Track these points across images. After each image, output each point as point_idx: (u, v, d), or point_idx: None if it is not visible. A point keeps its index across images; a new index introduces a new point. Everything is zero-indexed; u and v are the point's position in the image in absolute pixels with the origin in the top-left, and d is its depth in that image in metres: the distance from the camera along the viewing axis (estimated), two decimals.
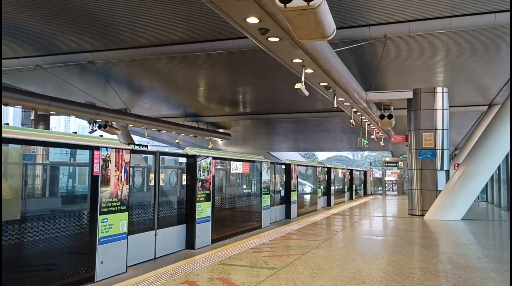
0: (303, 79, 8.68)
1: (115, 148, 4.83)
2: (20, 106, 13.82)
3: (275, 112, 23.87)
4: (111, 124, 18.50)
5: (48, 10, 9.97)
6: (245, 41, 10.88)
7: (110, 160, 4.75)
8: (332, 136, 35.96)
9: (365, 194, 24.47)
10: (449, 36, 10.70)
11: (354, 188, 20.74)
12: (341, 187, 18.42)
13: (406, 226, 10.67)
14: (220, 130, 26.20)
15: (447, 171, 12.96)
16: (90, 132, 18.58)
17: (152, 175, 5.86)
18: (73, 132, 23.85)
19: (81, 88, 16.59)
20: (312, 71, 9.00)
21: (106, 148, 4.70)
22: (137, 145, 23.02)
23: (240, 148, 35.22)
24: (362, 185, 24.15)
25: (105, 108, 17.10)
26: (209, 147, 28.18)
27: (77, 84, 16.35)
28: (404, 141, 13.53)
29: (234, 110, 24.28)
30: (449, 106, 13.50)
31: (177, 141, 24.21)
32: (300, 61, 8.27)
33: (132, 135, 25.46)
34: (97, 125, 18.16)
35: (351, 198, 20.14)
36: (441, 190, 12.37)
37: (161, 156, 6.14)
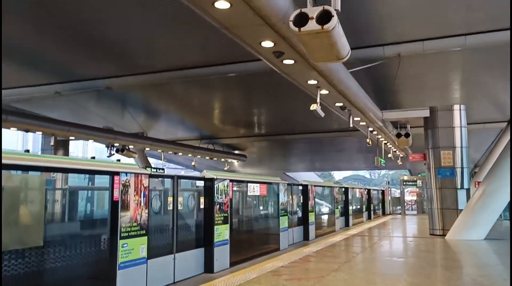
0: (318, 100, 8.70)
1: (134, 173, 4.89)
2: (41, 132, 14.10)
3: (291, 133, 23.85)
4: (128, 147, 18.73)
5: (67, 39, 10.24)
6: (260, 63, 10.98)
7: (129, 185, 4.80)
8: (348, 156, 35.68)
9: (383, 213, 24.11)
10: (464, 54, 10.65)
11: (372, 208, 20.46)
12: (359, 207, 18.19)
13: (427, 247, 10.45)
14: (236, 152, 26.27)
15: (468, 190, 12.72)
16: (108, 156, 18.84)
17: (170, 199, 5.89)
18: (91, 157, 24.19)
19: (99, 113, 16.88)
20: (327, 92, 9.02)
21: (126, 173, 4.75)
22: (154, 168, 23.23)
23: (256, 169, 35.20)
24: (380, 204, 23.81)
25: (122, 132, 17.35)
26: (225, 168, 28.22)
27: (95, 109, 16.65)
28: (422, 159, 13.36)
29: (249, 132, 24.34)
30: (467, 123, 13.34)
31: (193, 163, 24.33)
32: (315, 82, 8.31)
33: (148, 158, 25.68)
34: (114, 149, 18.40)
35: (369, 218, 19.87)
36: (462, 209, 12.13)
37: (179, 180, 6.20)
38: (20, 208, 3.82)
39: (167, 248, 6.17)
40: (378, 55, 10.38)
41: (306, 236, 11.17)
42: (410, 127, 16.16)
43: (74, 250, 4.62)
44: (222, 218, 6.86)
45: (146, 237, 5.06)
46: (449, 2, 8.33)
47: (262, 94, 15.75)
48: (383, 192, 24.48)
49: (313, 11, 5.10)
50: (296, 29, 5.12)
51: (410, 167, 35.38)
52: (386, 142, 17.49)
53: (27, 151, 20.05)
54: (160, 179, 6.84)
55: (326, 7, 5.10)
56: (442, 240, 11.51)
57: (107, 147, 18.11)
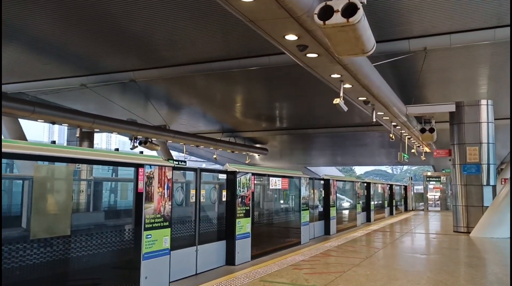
0: (341, 94, 8.62)
1: (159, 165, 4.94)
2: (67, 124, 14.39)
3: (312, 127, 23.73)
4: (151, 140, 18.94)
5: (93, 32, 10.41)
6: (282, 57, 10.94)
7: (153, 177, 4.87)
8: (370, 151, 35.28)
9: (406, 209, 23.80)
10: (492, 47, 10.37)
11: (394, 204, 20.22)
12: (381, 202, 18.01)
13: (451, 244, 10.29)
14: (257, 145, 26.28)
15: (494, 187, 12.44)
16: (131, 148, 19.09)
17: (193, 192, 5.95)
18: (115, 149, 24.58)
19: (122, 105, 17.12)
20: (351, 86, 8.93)
21: (150, 165, 4.81)
22: (176, 161, 23.44)
23: (277, 163, 35.17)
24: (402, 200, 23.52)
25: (146, 125, 17.55)
26: (247, 162, 28.29)
27: (119, 101, 16.88)
28: (447, 155, 13.11)
29: (271, 125, 24.31)
30: (494, 119, 13.02)
31: (214, 156, 24.47)
32: (339, 76, 8.24)
33: (170, 151, 25.94)
34: (137, 141, 18.64)
35: (391, 213, 19.65)
36: (487, 206, 11.88)
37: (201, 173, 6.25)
38: (48, 198, 3.92)
39: (190, 240, 6.25)
40: (404, 49, 10.22)
41: (327, 231, 11.13)
42: (435, 122, 15.86)
43: (100, 239, 4.72)
44: (244, 211, 6.90)
45: (169, 229, 5.12)
46: None
47: (284, 88, 15.71)
48: (405, 187, 24.16)
49: (338, 4, 5.04)
50: (321, 22, 5.07)
51: (434, 163, 34.78)
52: (409, 137, 17.22)
53: (53, 142, 20.49)
54: (182, 171, 6.91)
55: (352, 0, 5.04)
56: (466, 238, 11.32)
57: (130, 139, 18.36)
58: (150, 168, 4.84)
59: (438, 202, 28.10)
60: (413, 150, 19.28)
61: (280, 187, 8.30)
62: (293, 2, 5.09)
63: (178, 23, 9.62)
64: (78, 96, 16.40)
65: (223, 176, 6.62)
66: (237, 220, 6.73)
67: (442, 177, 23.21)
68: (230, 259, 7.17)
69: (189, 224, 6.12)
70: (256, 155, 27.59)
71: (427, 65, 11.26)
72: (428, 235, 12.13)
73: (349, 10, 5.03)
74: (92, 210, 8.00)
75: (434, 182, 23.31)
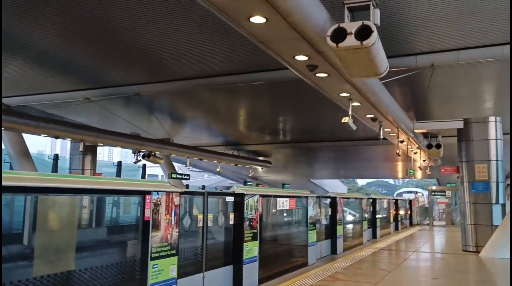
0: (350, 112, 8.47)
1: (166, 192, 4.79)
2: (70, 139, 14.27)
3: (316, 140, 23.62)
4: (155, 153, 18.80)
5: (98, 46, 10.32)
6: (286, 72, 10.88)
7: (160, 204, 4.70)
8: (373, 164, 35.08)
9: (410, 224, 23.51)
10: (500, 63, 10.23)
11: (399, 219, 19.98)
12: (386, 217, 17.78)
13: (461, 266, 10.07)
14: (261, 158, 26.12)
15: (503, 205, 12.22)
16: (134, 162, 18.96)
17: (200, 216, 5.78)
18: (117, 162, 24.42)
19: (126, 118, 17.01)
20: (359, 104, 8.79)
21: (157, 192, 4.66)
22: (179, 174, 23.21)
23: (281, 176, 34.96)
24: (407, 215, 23.26)
25: (149, 139, 17.43)
26: (250, 175, 28.12)
27: (122, 114, 16.78)
28: (455, 172, 12.91)
29: (274, 138, 24.20)
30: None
31: (218, 169, 24.32)
32: (348, 95, 8.10)
33: (173, 162, 25.77)
34: (141, 155, 18.50)
35: (396, 229, 19.39)
36: (497, 225, 11.64)
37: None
38: (52, 231, 3.75)
39: (197, 267, 6.04)
40: (411, 65, 10.09)
41: (333, 250, 10.90)
42: (441, 137, 15.69)
43: (105, 271, 4.53)
44: (252, 235, 6.71)
45: (176, 257, 4.94)
46: (489, 10, 8.02)
47: (288, 102, 15.60)
48: (410, 202, 23.90)
49: (352, 26, 4.91)
50: (334, 44, 4.93)
51: (438, 177, 34.54)
52: (415, 152, 17.05)
53: (56, 155, 20.31)
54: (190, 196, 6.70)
55: (366, 22, 4.91)
56: (476, 258, 11.07)
57: (134, 153, 18.22)
58: (157, 194, 4.68)
59: (443, 215, 27.82)
60: (418, 165, 19.07)
61: (287, 207, 8.12)
62: (305, 23, 4.97)
63: (184, 38, 9.54)
64: (81, 108, 16.33)
65: (230, 199, 6.45)
66: (245, 244, 6.54)
67: (447, 192, 22.95)
68: (237, 284, 6.95)
69: (196, 249, 5.94)
70: (259, 168, 27.42)
71: (433, 81, 11.12)
72: (437, 255, 11.89)
73: (363, 32, 4.90)
74: (97, 241, 7.71)
75: (439, 197, 23.06)
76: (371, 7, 5.13)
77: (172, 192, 4.90)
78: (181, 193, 5.08)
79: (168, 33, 9.20)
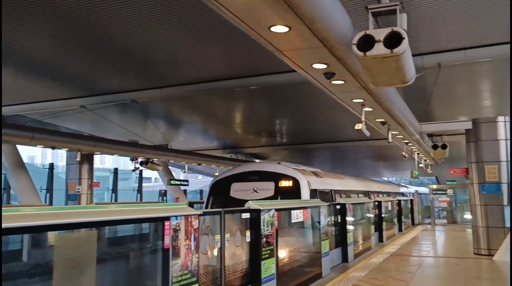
0: (363, 119, 8.17)
1: (185, 215, 4.43)
2: (67, 148, 13.85)
3: (313, 142, 23.45)
4: (152, 160, 18.42)
5: (93, 53, 9.99)
6: (283, 75, 10.72)
7: (180, 229, 4.35)
8: (371, 163, 34.98)
9: (412, 223, 23.30)
10: (502, 62, 10.00)
11: (402, 219, 19.74)
12: (390, 219, 17.53)
13: (478, 272, 9.83)
14: (258, 161, 25.82)
15: None
16: (133, 170, 18.55)
17: (217, 237, 5.43)
18: (114, 169, 23.92)
19: (122, 125, 16.63)
20: (372, 109, 8.48)
21: (176, 216, 4.30)
22: (178, 180, 22.77)
23: None
24: (409, 214, 23.03)
25: (147, 146, 17.05)
26: None
27: (118, 121, 16.40)
28: (464, 174, 12.64)
29: (272, 141, 24.02)
30: None
31: (216, 174, 23.93)
32: (361, 100, 7.79)
33: (170, 167, 25.37)
34: (139, 162, 18.11)
35: (400, 230, 19.15)
36: (509, 228, 11.40)
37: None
38: (72, 268, 3.38)
39: None
40: (417, 65, 9.82)
41: (345, 258, 10.59)
42: (446, 135, 15.46)
43: None
44: (269, 252, 6.37)
45: (196, 285, 4.59)
46: (497, 8, 7.80)
47: (285, 104, 15.42)
48: (411, 201, 23.68)
49: (380, 33, 4.57)
50: (361, 53, 4.59)
51: (437, 174, 34.49)
52: (419, 152, 16.83)
53: (51, 164, 19.73)
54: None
55: (396, 28, 4.58)
56: (489, 262, 10.82)
57: (132, 160, 17.82)
58: (176, 219, 4.33)
59: (444, 213, 27.70)
60: (421, 165, 18.87)
61: (301, 219, 7.80)
62: (328, 31, 4.63)
63: (179, 43, 9.29)
64: (76, 116, 15.91)
65: (246, 215, 6.10)
66: (263, 262, 6.20)
67: (448, 190, 22.79)
68: None
69: (214, 273, 5.58)
70: None
71: (438, 80, 10.89)
72: (450, 260, 11.65)
73: (392, 40, 4.58)
74: (117, 273, 7.21)
75: (440, 196, 22.89)
76: (398, 12, 4.82)
77: (191, 215, 4.55)
78: (199, 215, 4.73)
79: (162, 38, 8.95)
